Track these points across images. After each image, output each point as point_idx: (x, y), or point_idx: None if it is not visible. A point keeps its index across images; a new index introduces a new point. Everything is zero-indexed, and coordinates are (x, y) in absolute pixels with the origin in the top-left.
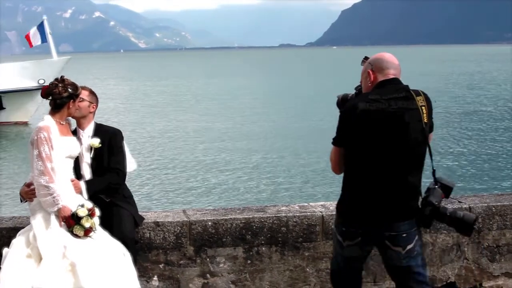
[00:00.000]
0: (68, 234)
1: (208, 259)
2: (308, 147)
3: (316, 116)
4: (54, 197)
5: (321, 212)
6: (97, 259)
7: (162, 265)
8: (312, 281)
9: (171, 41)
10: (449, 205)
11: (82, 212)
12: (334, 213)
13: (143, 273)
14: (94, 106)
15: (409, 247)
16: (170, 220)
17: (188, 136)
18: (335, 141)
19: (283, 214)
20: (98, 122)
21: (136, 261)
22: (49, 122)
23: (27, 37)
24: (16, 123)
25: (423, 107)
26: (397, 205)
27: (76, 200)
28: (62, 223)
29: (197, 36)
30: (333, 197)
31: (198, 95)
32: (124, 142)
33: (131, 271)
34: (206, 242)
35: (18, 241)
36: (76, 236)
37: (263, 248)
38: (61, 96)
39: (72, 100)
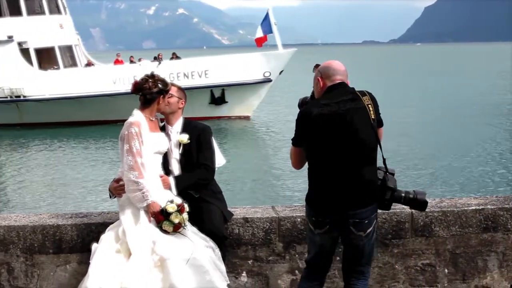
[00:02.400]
0: (157, 230)
1: (297, 256)
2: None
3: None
4: (143, 193)
5: (410, 209)
6: (186, 255)
7: (251, 261)
8: (401, 278)
9: (254, 37)
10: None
11: (172, 208)
12: None
13: (232, 269)
14: (183, 102)
15: (369, 230)
16: (259, 216)
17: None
18: (294, 142)
19: (377, 216)
20: (187, 118)
21: (225, 257)
22: (139, 117)
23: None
24: (238, 118)
25: (369, 105)
26: (356, 194)
27: (165, 196)
28: (151, 218)
29: (280, 33)
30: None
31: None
32: (213, 138)
33: (221, 267)
34: (295, 239)
35: (108, 237)
36: (165, 231)
37: None
38: (151, 92)
39: (162, 96)
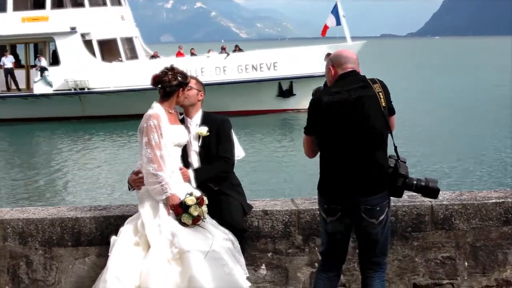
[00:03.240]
0: (176, 223)
1: (316, 248)
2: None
3: None
4: (162, 185)
5: (430, 201)
6: (205, 248)
7: (270, 254)
8: (421, 271)
9: (272, 31)
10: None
11: (191, 201)
12: (443, 203)
13: (251, 262)
14: (202, 94)
15: (381, 218)
16: (278, 208)
17: None
18: (306, 131)
19: (392, 204)
20: (206, 111)
21: (244, 250)
22: (158, 110)
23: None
24: (306, 110)
25: (380, 93)
26: (368, 181)
27: (184, 188)
28: (170, 211)
29: (298, 26)
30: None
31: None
32: (232, 130)
33: (240, 260)
34: (314, 231)
35: (126, 229)
36: (184, 224)
37: None
38: (170, 84)
39: (181, 89)
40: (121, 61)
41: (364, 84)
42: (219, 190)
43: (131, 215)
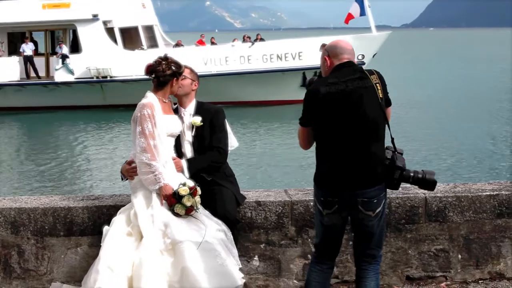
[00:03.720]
0: (169, 213)
1: (309, 240)
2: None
3: None
4: (155, 175)
5: (424, 193)
6: (198, 238)
7: (263, 245)
8: (414, 263)
9: (266, 21)
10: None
11: (184, 191)
12: (437, 195)
13: (244, 253)
14: (196, 84)
15: (378, 210)
16: (271, 199)
17: None
18: (302, 122)
19: (386, 196)
20: (200, 101)
21: (237, 241)
22: (152, 99)
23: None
24: None
25: (377, 84)
26: (365, 173)
27: (177, 178)
28: (164, 201)
29: (293, 17)
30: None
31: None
32: (226, 120)
33: (233, 251)
34: (307, 223)
35: (119, 219)
36: (177, 215)
37: None
38: (164, 74)
39: (175, 78)
40: (143, 49)
41: (361, 75)
42: (212, 180)
43: (123, 205)
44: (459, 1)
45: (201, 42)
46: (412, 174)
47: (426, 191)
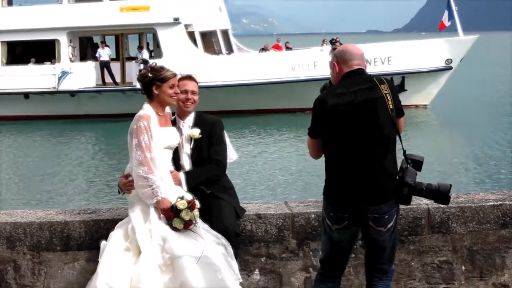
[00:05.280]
0: (168, 227)
1: (311, 253)
2: None
3: None
4: (153, 189)
5: (427, 204)
6: (197, 253)
7: (264, 258)
8: (417, 275)
9: (258, 27)
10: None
11: (182, 205)
12: (440, 206)
13: (244, 267)
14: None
15: (389, 225)
16: (272, 212)
17: None
18: (310, 133)
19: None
20: (199, 112)
21: (237, 255)
22: (148, 111)
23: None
24: (416, 106)
25: (387, 95)
26: (375, 188)
27: (175, 191)
28: (161, 215)
29: (284, 22)
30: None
31: None
32: (225, 132)
33: (233, 265)
34: (309, 235)
35: (117, 234)
36: (176, 229)
37: None
38: (143, 81)
39: (154, 86)
40: (228, 53)
41: (371, 85)
42: (211, 193)
43: (121, 219)
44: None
45: (277, 47)
46: (424, 188)
47: (428, 202)
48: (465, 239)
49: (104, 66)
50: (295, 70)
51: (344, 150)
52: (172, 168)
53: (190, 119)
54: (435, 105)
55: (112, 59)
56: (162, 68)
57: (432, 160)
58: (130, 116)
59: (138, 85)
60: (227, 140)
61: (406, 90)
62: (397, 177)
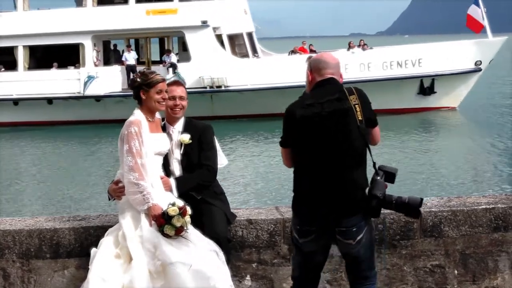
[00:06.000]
0: (159, 234)
1: None
2: None
3: None
4: (144, 195)
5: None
6: (189, 260)
7: (255, 264)
8: (410, 280)
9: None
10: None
11: (173, 211)
12: (432, 209)
13: (236, 273)
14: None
15: (359, 238)
16: (263, 217)
17: None
18: (281, 143)
19: (381, 211)
20: (188, 117)
21: (229, 260)
22: (139, 116)
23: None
24: (445, 108)
25: (356, 106)
26: (344, 200)
27: (166, 198)
28: (152, 222)
29: (267, 26)
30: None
31: None
32: (215, 137)
33: (224, 271)
34: None
35: (107, 241)
36: (167, 235)
37: None
38: (132, 86)
39: (142, 91)
40: (257, 57)
41: (340, 96)
42: (202, 199)
43: (111, 225)
44: (432, 9)
45: (302, 49)
46: (394, 201)
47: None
48: (457, 243)
49: (131, 70)
50: None
51: (313, 160)
52: (162, 174)
53: (180, 124)
54: (464, 107)
55: (138, 63)
56: (151, 73)
57: (461, 162)
58: None
59: None
60: (217, 145)
61: (435, 92)
62: (367, 190)
